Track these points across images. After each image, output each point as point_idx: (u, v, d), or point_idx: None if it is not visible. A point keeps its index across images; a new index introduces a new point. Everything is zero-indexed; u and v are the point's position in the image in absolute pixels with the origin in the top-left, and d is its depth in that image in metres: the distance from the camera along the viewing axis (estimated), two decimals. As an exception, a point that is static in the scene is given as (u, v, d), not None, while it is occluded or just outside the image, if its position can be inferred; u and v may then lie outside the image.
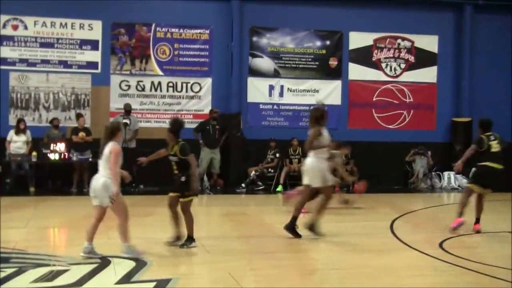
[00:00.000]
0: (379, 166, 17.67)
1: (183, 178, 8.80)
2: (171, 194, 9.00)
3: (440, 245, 9.75)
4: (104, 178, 7.95)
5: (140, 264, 7.83)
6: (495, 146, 10.92)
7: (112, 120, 16.36)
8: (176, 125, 8.96)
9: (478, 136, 10.98)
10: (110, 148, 7.97)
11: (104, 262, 7.85)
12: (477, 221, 11.04)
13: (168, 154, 8.98)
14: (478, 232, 10.89)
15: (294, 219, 9.89)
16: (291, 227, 9.88)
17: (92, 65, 17.44)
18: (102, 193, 7.94)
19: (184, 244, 8.91)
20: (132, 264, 7.81)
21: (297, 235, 9.86)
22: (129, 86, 17.65)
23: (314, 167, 9.90)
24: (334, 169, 12.75)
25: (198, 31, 17.96)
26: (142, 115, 17.54)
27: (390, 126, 18.77)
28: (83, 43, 17.39)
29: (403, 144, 18.34)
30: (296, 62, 18.51)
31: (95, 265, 7.67)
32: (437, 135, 18.84)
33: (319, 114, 10.04)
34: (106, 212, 8.17)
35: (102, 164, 8.04)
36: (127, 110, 16.77)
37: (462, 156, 10.97)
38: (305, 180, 10.01)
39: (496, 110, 18.71)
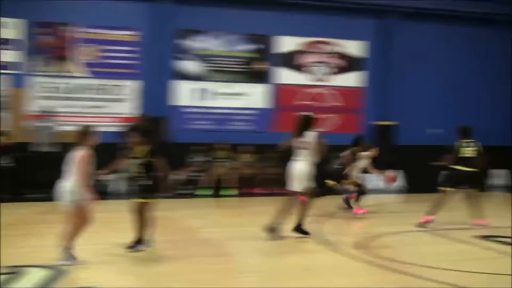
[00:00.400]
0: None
1: (149, 181, 8.79)
2: (136, 200, 8.93)
3: (365, 245, 9.87)
4: (71, 183, 7.87)
5: (57, 272, 7.59)
6: (467, 152, 11.88)
7: (29, 122, 15.88)
8: (146, 127, 9.23)
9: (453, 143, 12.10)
10: (79, 153, 7.90)
11: (18, 272, 7.57)
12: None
13: (131, 158, 8.93)
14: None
15: (300, 218, 10.29)
16: (298, 228, 10.28)
17: (10, 65, 16.85)
18: (68, 197, 7.89)
19: (133, 246, 8.88)
20: (48, 272, 7.56)
21: (305, 233, 10.27)
22: (49, 88, 17.15)
23: (304, 172, 10.17)
24: (364, 171, 13.36)
25: (124, 32, 17.67)
26: (63, 117, 16.95)
27: (317, 130, 18.86)
28: (2, 43, 16.77)
29: (329, 147, 18.45)
30: (224, 65, 18.46)
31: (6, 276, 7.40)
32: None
33: (310, 120, 10.60)
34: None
35: (70, 168, 7.92)
36: (46, 112, 16.31)
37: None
38: (292, 185, 10.21)
39: (419, 114, 19.24)
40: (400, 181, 18.59)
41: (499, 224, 12.17)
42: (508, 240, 10.53)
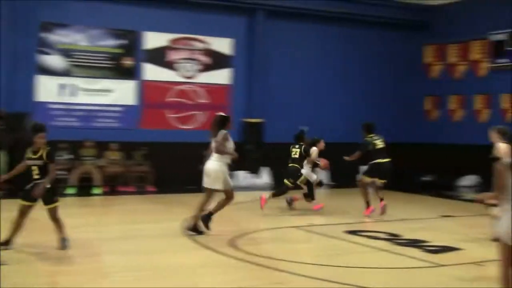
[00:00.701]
0: (174, 167, 17.65)
1: (48, 185, 8.69)
2: (24, 203, 8.85)
3: (232, 242, 9.97)
4: None
5: None
6: (379, 144, 12.91)
7: None
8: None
9: (363, 140, 13.02)
10: None
11: None
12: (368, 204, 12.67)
13: (28, 159, 8.85)
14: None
15: (195, 217, 10.60)
16: (192, 227, 10.56)
17: None
18: None
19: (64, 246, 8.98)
20: None
21: (199, 233, 10.52)
22: None
23: (217, 170, 10.45)
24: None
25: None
26: None
27: (184, 127, 18.88)
28: None
29: (198, 144, 18.44)
30: (89, 60, 17.97)
31: None
32: (230, 135, 19.21)
33: (225, 120, 10.78)
34: None
35: None
36: None
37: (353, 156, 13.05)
38: (207, 183, 10.50)
39: (284, 112, 19.68)
40: (268, 178, 18.98)
41: (366, 219, 12.72)
42: (374, 234, 11.02)
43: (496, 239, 6.07)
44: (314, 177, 13.73)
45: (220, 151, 10.63)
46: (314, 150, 13.72)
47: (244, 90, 19.48)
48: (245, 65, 19.49)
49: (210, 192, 10.71)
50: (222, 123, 10.82)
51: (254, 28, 19.51)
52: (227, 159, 10.78)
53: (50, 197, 8.86)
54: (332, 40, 20.62)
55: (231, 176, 12.88)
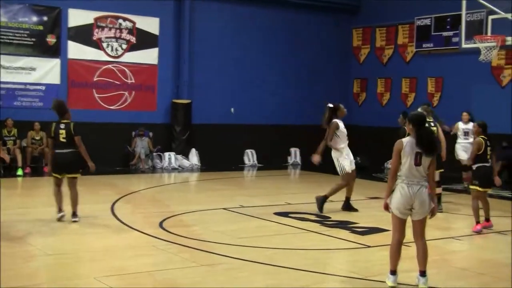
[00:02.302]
0: (100, 147, 17.18)
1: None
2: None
3: (160, 224, 9.82)
4: None
5: None
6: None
7: None
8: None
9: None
10: None
11: None
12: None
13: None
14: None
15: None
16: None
17: None
18: None
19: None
20: None
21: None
22: None
23: (333, 157, 11.48)
24: None
25: None
26: None
27: (111, 107, 18.43)
28: None
29: (125, 125, 18.16)
30: (10, 37, 17.23)
31: None
32: (158, 116, 18.96)
33: (335, 110, 11.47)
34: None
35: None
36: None
37: None
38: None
39: (212, 93, 19.50)
40: (194, 159, 18.80)
41: (295, 200, 12.73)
42: (303, 216, 11.04)
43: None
44: None
45: (329, 144, 11.36)
46: None
47: (172, 70, 19.16)
48: (173, 45, 19.14)
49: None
50: (332, 113, 11.39)
51: (182, 7, 19.14)
52: (340, 144, 11.40)
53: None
54: (262, 22, 20.50)
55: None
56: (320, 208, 11.37)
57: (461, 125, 14.86)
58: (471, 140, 14.28)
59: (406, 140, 6.65)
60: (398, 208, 6.62)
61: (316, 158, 11.50)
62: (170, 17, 19.12)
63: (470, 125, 14.41)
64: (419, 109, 12.34)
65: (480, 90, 18.04)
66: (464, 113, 14.95)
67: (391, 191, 6.68)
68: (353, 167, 11.61)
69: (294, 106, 20.88)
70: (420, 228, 6.71)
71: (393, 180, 6.67)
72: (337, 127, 11.37)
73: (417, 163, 6.55)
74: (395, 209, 6.63)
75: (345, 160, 11.42)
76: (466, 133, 14.68)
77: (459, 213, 11.83)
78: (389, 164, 18.48)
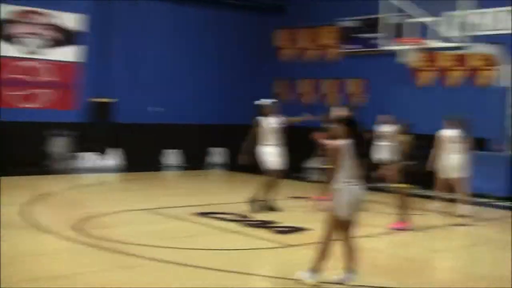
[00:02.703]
0: (14, 147, 16.64)
1: None
2: None
3: (78, 227, 9.59)
4: None
5: None
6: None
7: None
8: None
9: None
10: None
11: None
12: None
13: None
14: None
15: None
16: None
17: None
18: None
19: None
20: None
21: None
22: None
23: None
24: None
25: None
26: None
27: (28, 105, 17.86)
28: None
29: (41, 124, 17.62)
30: None
31: None
32: (78, 115, 18.51)
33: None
34: None
35: None
36: None
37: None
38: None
39: (135, 91, 19.23)
40: (119, 159, 18.48)
41: (217, 201, 12.67)
42: (225, 216, 10.99)
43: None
44: None
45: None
46: None
47: (93, 68, 18.73)
48: (95, 42, 18.70)
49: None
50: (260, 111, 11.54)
51: (105, 4, 18.74)
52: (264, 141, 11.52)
53: None
54: (186, 20, 20.34)
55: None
56: (257, 209, 11.39)
57: (378, 128, 14.94)
58: (388, 143, 14.55)
59: (345, 141, 6.71)
60: (347, 210, 6.72)
61: (242, 158, 11.53)
62: (91, 14, 18.68)
63: (387, 128, 14.66)
64: (338, 111, 12.69)
65: (400, 91, 18.45)
66: (382, 116, 15.05)
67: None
68: (275, 166, 11.56)
69: (217, 106, 20.81)
70: (353, 227, 6.90)
71: (331, 183, 6.76)
72: (257, 124, 11.39)
73: (356, 164, 6.70)
74: (345, 211, 6.70)
75: (267, 156, 11.40)
76: (382, 136, 14.57)
77: (376, 211, 12.03)
78: (312, 164, 18.66)
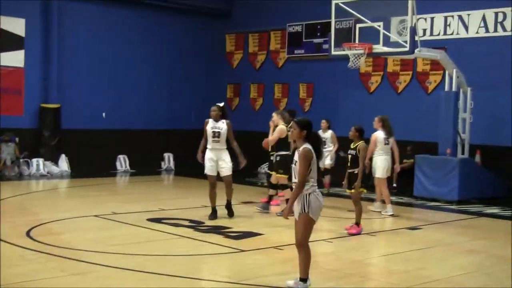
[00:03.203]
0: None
1: None
2: None
3: (28, 233, 9.40)
4: None
5: None
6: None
7: None
8: None
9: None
10: None
11: None
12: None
13: None
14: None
15: None
16: None
17: None
18: None
19: None
20: None
21: None
22: None
23: None
24: None
25: None
26: None
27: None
28: None
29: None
30: None
31: None
32: (25, 121, 18.14)
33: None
34: None
35: None
36: None
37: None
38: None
39: (83, 97, 18.93)
40: (64, 165, 18.16)
41: (168, 206, 12.56)
42: (176, 221, 10.91)
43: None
44: None
45: None
46: None
47: (40, 73, 18.38)
48: (40, 47, 18.35)
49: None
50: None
51: (49, 8, 18.37)
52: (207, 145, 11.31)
53: None
54: (134, 25, 20.15)
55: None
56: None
57: (319, 134, 14.62)
58: (330, 148, 14.67)
59: (310, 146, 6.68)
60: (318, 214, 6.73)
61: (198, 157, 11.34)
62: (36, 18, 18.30)
63: (328, 134, 14.75)
64: (277, 113, 12.71)
65: (349, 96, 18.67)
66: (323, 121, 14.80)
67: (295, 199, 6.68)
68: (210, 172, 11.22)
69: (167, 111, 20.70)
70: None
71: (302, 188, 6.64)
72: (204, 127, 11.25)
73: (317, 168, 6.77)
74: (317, 215, 6.70)
75: (206, 161, 11.22)
76: (323, 142, 14.19)
77: (327, 216, 12.12)
78: (263, 169, 18.72)
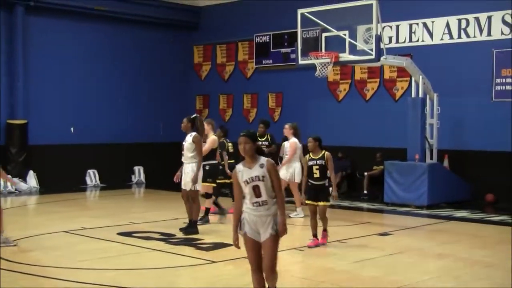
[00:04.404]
0: None
1: None
2: None
3: (-5, 251, 9.27)
4: None
5: None
6: (230, 147, 13.45)
7: None
8: None
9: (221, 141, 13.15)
10: None
11: None
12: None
13: None
14: None
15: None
16: None
17: None
18: None
19: None
20: None
21: None
22: None
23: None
24: None
25: None
26: None
27: None
28: None
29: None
30: None
31: None
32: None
33: None
34: None
35: None
36: None
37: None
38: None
39: (50, 112, 18.74)
40: (33, 181, 17.95)
41: (140, 220, 12.48)
42: (147, 235, 10.88)
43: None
44: None
45: None
46: None
47: (5, 89, 18.15)
48: (4, 61, 18.15)
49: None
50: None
51: (14, 21, 18.16)
52: None
53: None
54: (102, 39, 20.02)
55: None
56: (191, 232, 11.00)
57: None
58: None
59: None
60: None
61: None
62: (2, 33, 18.11)
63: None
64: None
65: (317, 105, 18.77)
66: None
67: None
68: (183, 185, 11.05)
69: (137, 124, 20.58)
70: None
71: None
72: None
73: None
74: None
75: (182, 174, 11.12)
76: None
77: (300, 224, 12.16)
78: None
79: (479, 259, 9.31)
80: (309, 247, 9.86)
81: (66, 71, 19.23)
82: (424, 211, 14.23)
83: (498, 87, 15.56)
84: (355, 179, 17.65)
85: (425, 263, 9.14)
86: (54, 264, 8.56)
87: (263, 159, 6.08)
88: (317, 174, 9.89)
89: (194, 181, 10.81)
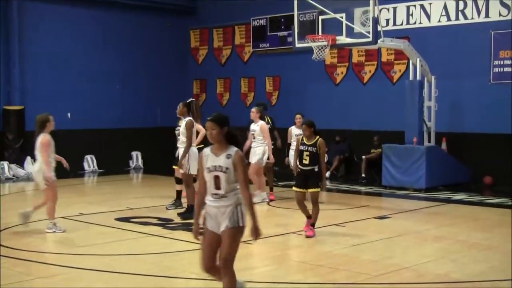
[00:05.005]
0: None
1: None
2: None
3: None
4: (38, 165, 9.92)
5: None
6: None
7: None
8: None
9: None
10: (39, 139, 10.05)
11: None
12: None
13: None
14: None
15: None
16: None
17: None
18: (38, 177, 9.95)
19: None
20: None
21: None
22: None
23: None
24: None
25: None
26: None
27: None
28: None
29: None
30: None
31: None
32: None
33: None
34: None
35: (36, 153, 10.04)
36: None
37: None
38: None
39: (47, 98, 18.65)
40: (30, 167, 17.89)
41: (137, 205, 12.47)
42: (145, 220, 10.87)
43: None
44: None
45: None
46: None
47: (2, 75, 18.07)
48: (1, 49, 18.05)
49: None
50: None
51: (9, 8, 18.06)
52: None
53: None
54: (98, 24, 19.87)
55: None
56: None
57: (294, 131, 12.94)
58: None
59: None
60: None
61: None
62: (-1, 18, 18.02)
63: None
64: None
65: (315, 88, 18.71)
66: (298, 116, 13.17)
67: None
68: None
69: (134, 109, 20.51)
70: None
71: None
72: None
73: None
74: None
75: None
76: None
77: (296, 209, 12.13)
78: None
79: (477, 241, 9.33)
80: (308, 237, 9.50)
81: (63, 56, 19.11)
82: (422, 194, 14.23)
83: (496, 69, 15.50)
84: (353, 162, 17.66)
85: (423, 246, 9.14)
86: (51, 250, 8.58)
87: (233, 150, 5.56)
88: (306, 160, 9.45)
89: (180, 165, 10.83)
